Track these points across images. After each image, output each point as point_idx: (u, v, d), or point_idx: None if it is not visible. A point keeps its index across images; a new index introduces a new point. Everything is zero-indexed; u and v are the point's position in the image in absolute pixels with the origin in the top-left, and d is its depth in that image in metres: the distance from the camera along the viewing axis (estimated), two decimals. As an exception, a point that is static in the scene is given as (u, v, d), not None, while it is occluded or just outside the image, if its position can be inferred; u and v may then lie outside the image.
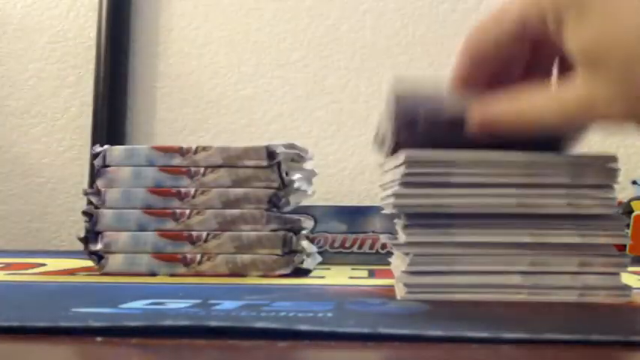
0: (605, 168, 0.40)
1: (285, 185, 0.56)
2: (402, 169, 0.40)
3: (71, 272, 0.57)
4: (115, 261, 0.56)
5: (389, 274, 0.48)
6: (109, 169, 0.57)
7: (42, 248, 0.99)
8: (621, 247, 0.68)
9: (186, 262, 0.55)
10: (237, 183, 0.56)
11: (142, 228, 0.56)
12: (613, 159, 0.40)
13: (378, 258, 0.66)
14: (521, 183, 0.40)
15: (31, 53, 1.06)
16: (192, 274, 0.54)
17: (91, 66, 1.03)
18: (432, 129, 0.39)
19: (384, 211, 0.45)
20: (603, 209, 0.40)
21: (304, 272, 0.56)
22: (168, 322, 0.30)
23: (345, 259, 0.67)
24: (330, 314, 0.33)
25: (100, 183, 0.57)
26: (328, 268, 0.61)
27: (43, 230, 1.02)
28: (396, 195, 0.40)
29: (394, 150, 0.42)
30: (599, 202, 0.40)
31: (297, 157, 0.60)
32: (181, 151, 0.57)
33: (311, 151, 0.63)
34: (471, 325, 0.31)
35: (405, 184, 0.40)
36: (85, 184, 0.99)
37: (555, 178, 0.40)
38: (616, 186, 0.41)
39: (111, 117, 1.01)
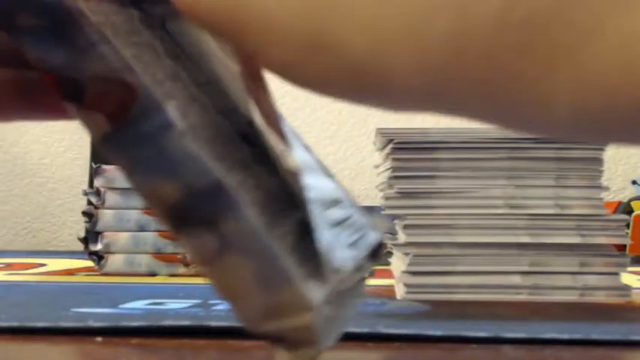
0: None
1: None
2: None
3: (71, 272, 0.57)
4: (114, 261, 0.56)
5: (389, 274, 0.48)
6: (108, 168, 0.57)
7: (42, 248, 0.99)
8: (621, 247, 0.68)
9: (186, 262, 0.55)
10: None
11: (141, 228, 0.56)
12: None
13: (378, 258, 0.66)
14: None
15: (31, 53, 1.06)
16: (192, 274, 0.54)
17: (91, 66, 1.03)
18: None
19: (384, 212, 0.45)
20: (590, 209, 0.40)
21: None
22: (168, 322, 0.30)
23: (345, 259, 0.67)
24: (330, 314, 0.33)
25: (99, 183, 0.57)
26: (328, 268, 0.61)
27: (43, 230, 1.02)
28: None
29: None
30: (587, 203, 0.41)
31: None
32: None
33: (311, 151, 0.63)
34: (471, 325, 0.31)
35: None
36: (85, 184, 0.99)
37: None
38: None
39: (111, 117, 1.01)
